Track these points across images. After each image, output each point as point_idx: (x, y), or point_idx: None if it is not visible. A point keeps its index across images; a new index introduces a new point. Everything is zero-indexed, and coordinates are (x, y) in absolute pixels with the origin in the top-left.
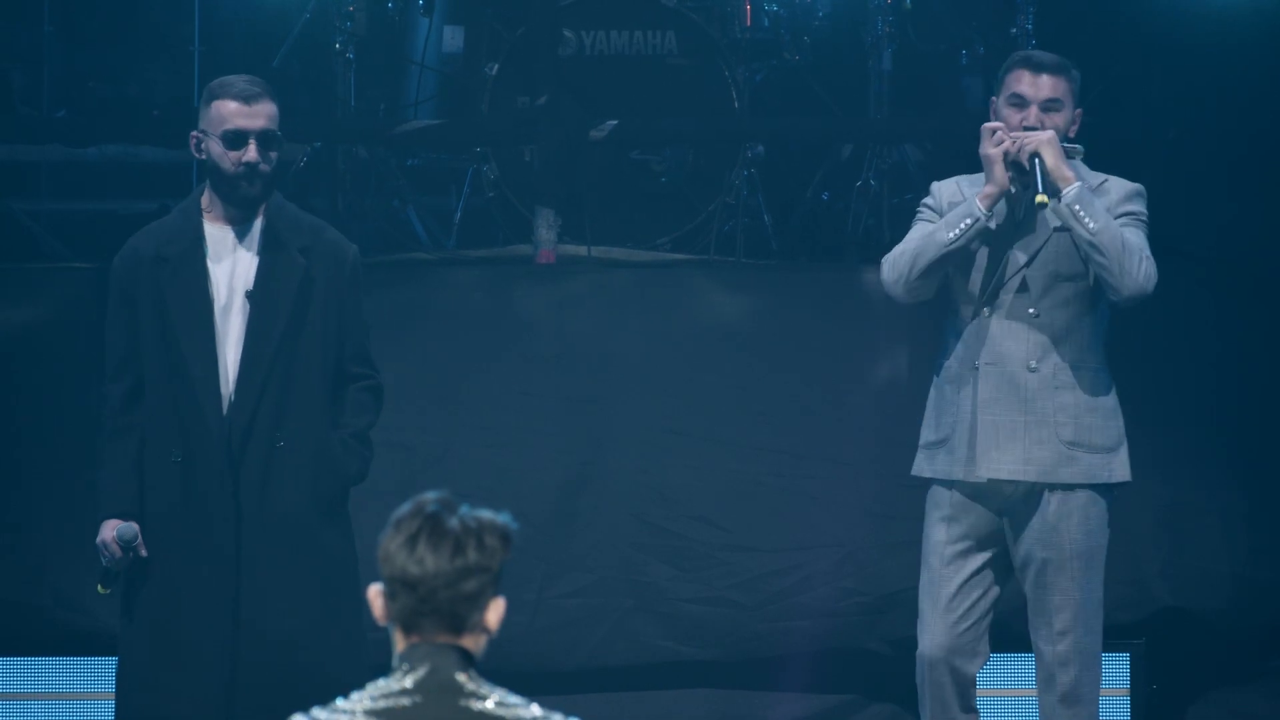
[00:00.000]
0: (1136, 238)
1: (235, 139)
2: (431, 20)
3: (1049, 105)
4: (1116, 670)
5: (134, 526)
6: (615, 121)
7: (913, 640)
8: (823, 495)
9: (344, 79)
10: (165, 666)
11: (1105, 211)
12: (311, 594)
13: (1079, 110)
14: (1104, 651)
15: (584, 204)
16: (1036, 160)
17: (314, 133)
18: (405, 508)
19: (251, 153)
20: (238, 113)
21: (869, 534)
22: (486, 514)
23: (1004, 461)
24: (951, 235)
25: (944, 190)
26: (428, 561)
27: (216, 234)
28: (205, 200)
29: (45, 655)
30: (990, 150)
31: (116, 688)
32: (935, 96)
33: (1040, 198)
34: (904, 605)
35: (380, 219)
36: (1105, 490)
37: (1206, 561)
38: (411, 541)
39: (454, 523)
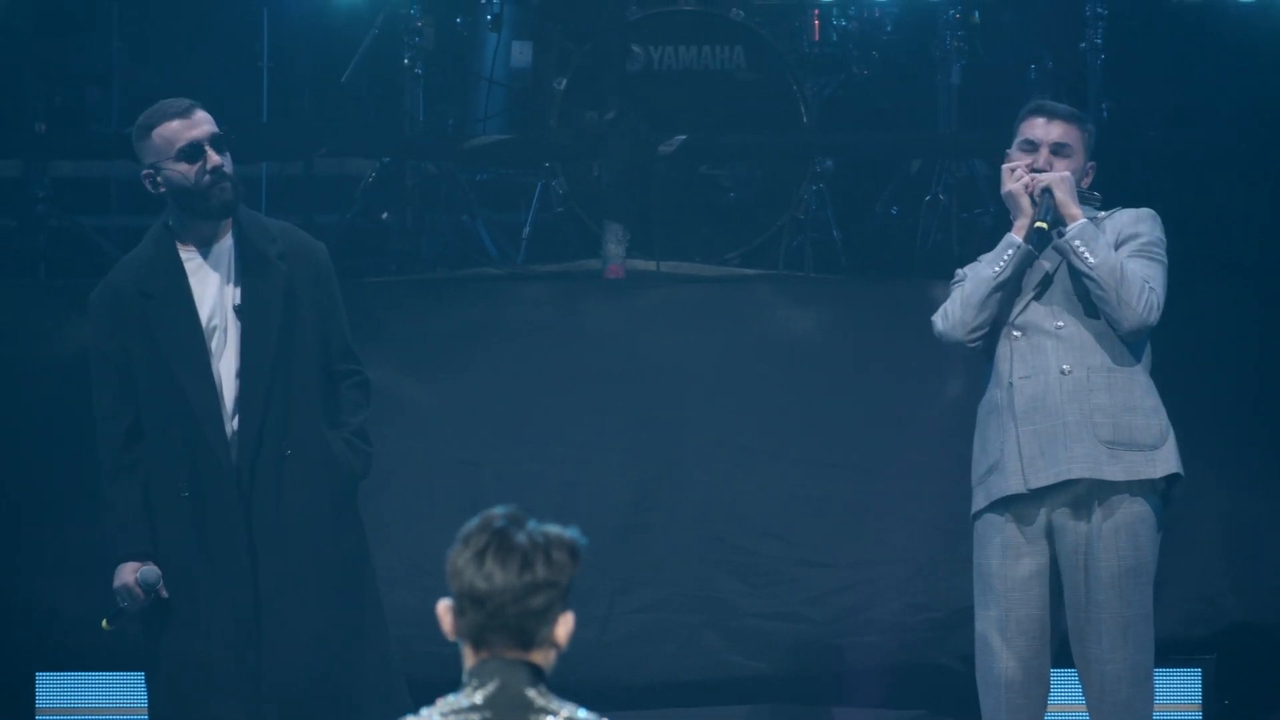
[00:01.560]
0: (1141, 268)
1: (192, 151)
2: (500, 35)
3: (1058, 149)
4: (1188, 686)
5: (156, 570)
6: (684, 136)
7: None
8: (892, 510)
9: (412, 94)
10: (194, 699)
11: (1108, 246)
12: (333, 599)
13: (1092, 164)
14: (1176, 668)
15: (652, 219)
16: (1047, 194)
17: (382, 148)
18: (473, 523)
19: (213, 157)
20: (182, 128)
21: (939, 549)
22: (554, 529)
23: (1049, 467)
24: (997, 268)
25: (970, 266)
26: (496, 577)
27: (193, 258)
28: (173, 229)
29: (120, 670)
30: (1012, 187)
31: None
32: (1004, 111)
33: (1040, 224)
34: (974, 621)
35: (449, 234)
36: (1154, 495)
37: (1278, 576)
38: (480, 557)
39: (522, 538)
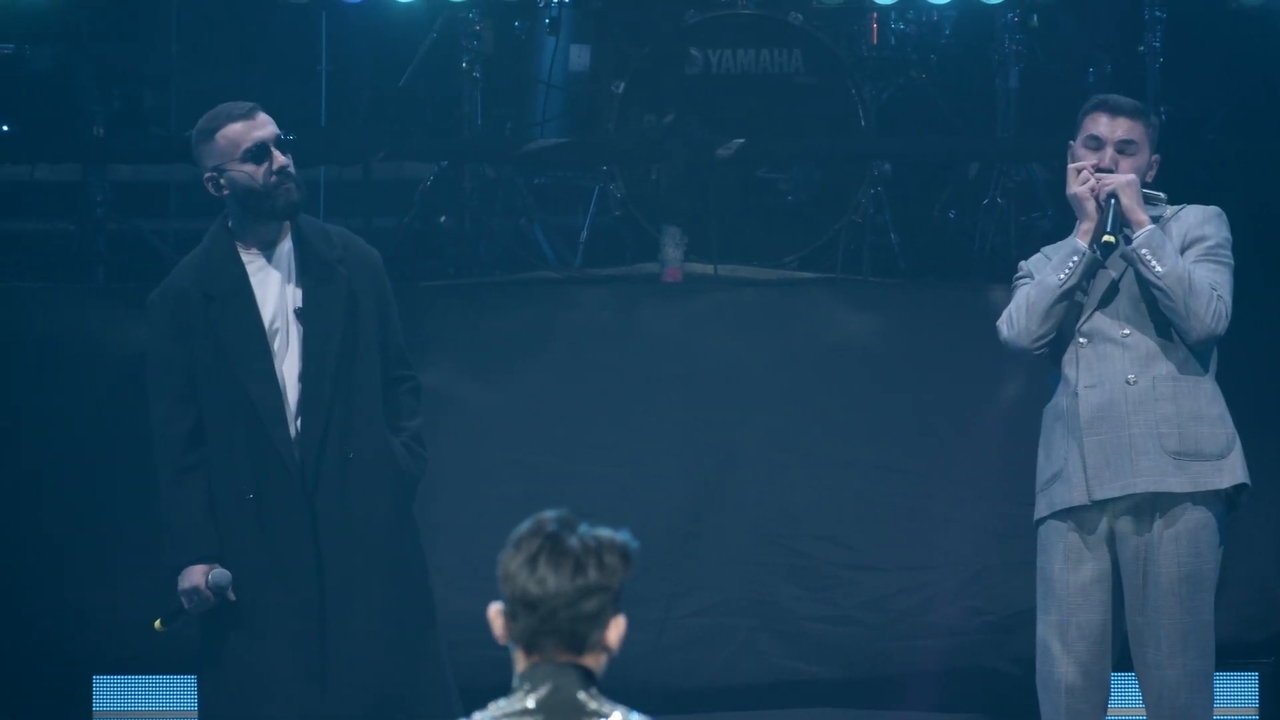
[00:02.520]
0: (1209, 273)
1: (258, 152)
2: (558, 39)
3: (1124, 146)
4: (1245, 690)
5: (227, 574)
6: (742, 140)
7: None
8: (948, 515)
9: (470, 98)
10: (249, 703)
11: (1174, 254)
12: (394, 601)
13: (1157, 156)
14: (1232, 671)
15: (710, 222)
16: (1113, 201)
17: (441, 152)
18: (525, 527)
19: (278, 158)
20: (247, 129)
21: (995, 553)
22: (606, 533)
23: (1115, 479)
24: (1062, 276)
25: (1032, 261)
26: (549, 581)
27: (254, 261)
28: (234, 231)
29: (177, 674)
30: (1078, 189)
31: (202, 717)
32: (1062, 115)
33: (1107, 237)
34: (1030, 624)
35: (507, 238)
36: (1218, 503)
37: None
38: (532, 561)
39: (574, 542)
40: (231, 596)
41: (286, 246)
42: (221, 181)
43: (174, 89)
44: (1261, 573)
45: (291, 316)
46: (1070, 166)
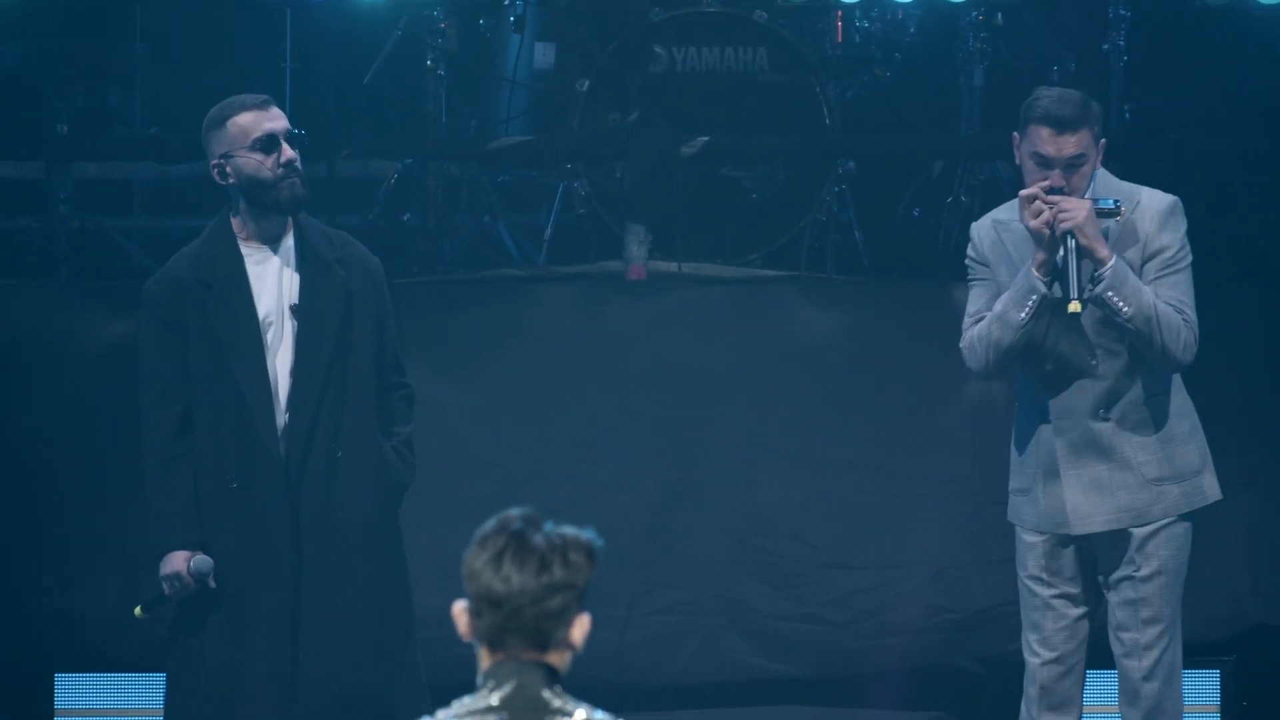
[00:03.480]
0: (1172, 291)
1: (268, 142)
2: (523, 37)
3: (1073, 163)
4: (1207, 687)
5: (209, 561)
6: (706, 138)
7: (1003, 658)
8: (914, 512)
9: (435, 96)
10: (218, 700)
11: (1138, 289)
12: (372, 602)
13: (1104, 141)
14: (1195, 669)
15: (675, 220)
16: (1071, 240)
17: (405, 149)
18: (490, 525)
19: (287, 151)
20: (261, 119)
21: (960, 551)
22: (571, 530)
23: (1096, 514)
24: (1023, 315)
25: (983, 239)
26: (513, 579)
27: (254, 254)
28: (235, 223)
29: (140, 672)
30: (1033, 223)
31: (169, 712)
32: None
33: (1073, 306)
34: (995, 622)
35: (471, 235)
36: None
37: None
38: (497, 559)
39: (539, 539)
40: (212, 584)
41: (288, 243)
42: (228, 169)
43: (138, 87)
44: (1225, 571)
45: (287, 312)
46: (1022, 194)
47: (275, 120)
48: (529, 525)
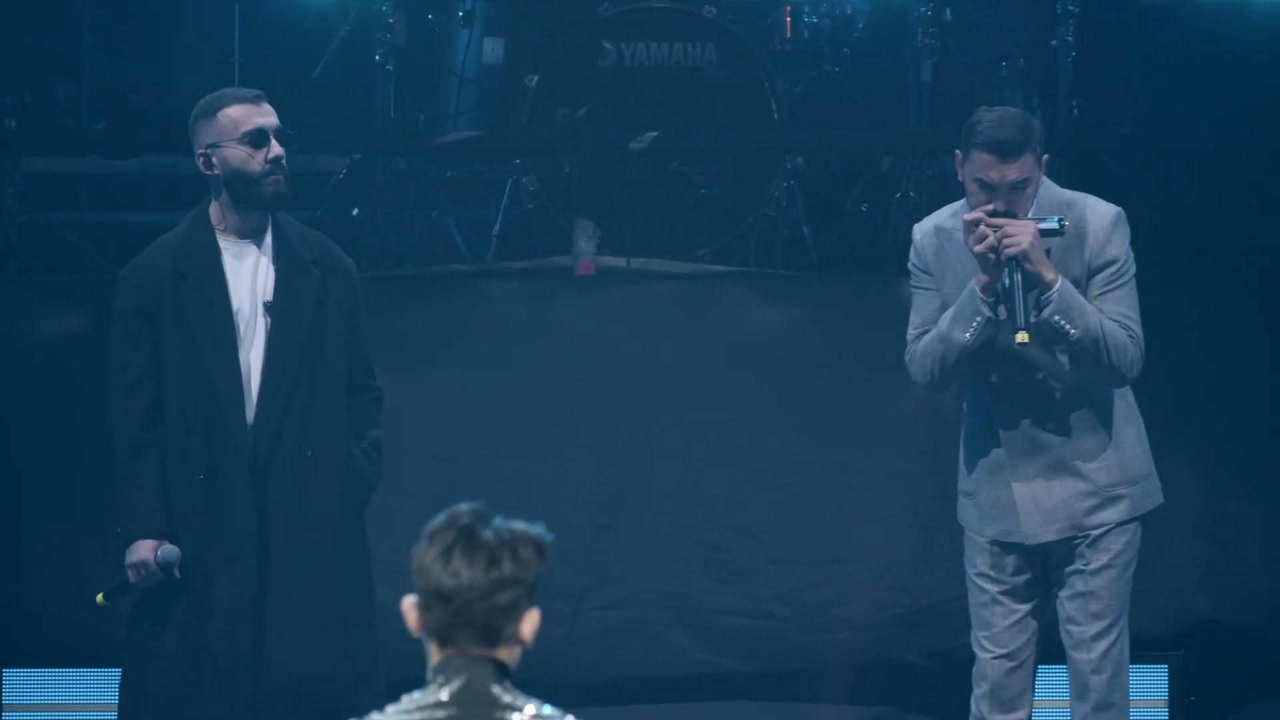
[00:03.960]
0: (1117, 306)
1: (258, 137)
2: (472, 32)
3: (1016, 187)
4: (1155, 682)
5: (177, 550)
6: (655, 133)
7: (951, 652)
8: (862, 508)
9: (384, 90)
10: (185, 687)
11: (1084, 309)
12: (335, 605)
13: (1045, 157)
14: (1144, 664)
15: (624, 216)
16: (1017, 268)
17: (353, 144)
18: (439, 520)
19: (275, 148)
20: (253, 113)
21: (908, 546)
22: (521, 525)
23: (1051, 523)
24: (968, 336)
25: (925, 245)
26: (463, 574)
27: (231, 248)
28: (215, 215)
29: (86, 667)
30: (977, 248)
31: (124, 704)
32: (975, 108)
33: (1020, 337)
34: (943, 617)
35: (419, 230)
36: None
37: (1245, 574)
38: (446, 554)
39: (488, 534)
40: (177, 574)
41: (266, 239)
42: (214, 159)
43: (86, 81)
44: (1173, 568)
45: (260, 308)
46: (965, 219)
47: (266, 116)
48: (478, 520)
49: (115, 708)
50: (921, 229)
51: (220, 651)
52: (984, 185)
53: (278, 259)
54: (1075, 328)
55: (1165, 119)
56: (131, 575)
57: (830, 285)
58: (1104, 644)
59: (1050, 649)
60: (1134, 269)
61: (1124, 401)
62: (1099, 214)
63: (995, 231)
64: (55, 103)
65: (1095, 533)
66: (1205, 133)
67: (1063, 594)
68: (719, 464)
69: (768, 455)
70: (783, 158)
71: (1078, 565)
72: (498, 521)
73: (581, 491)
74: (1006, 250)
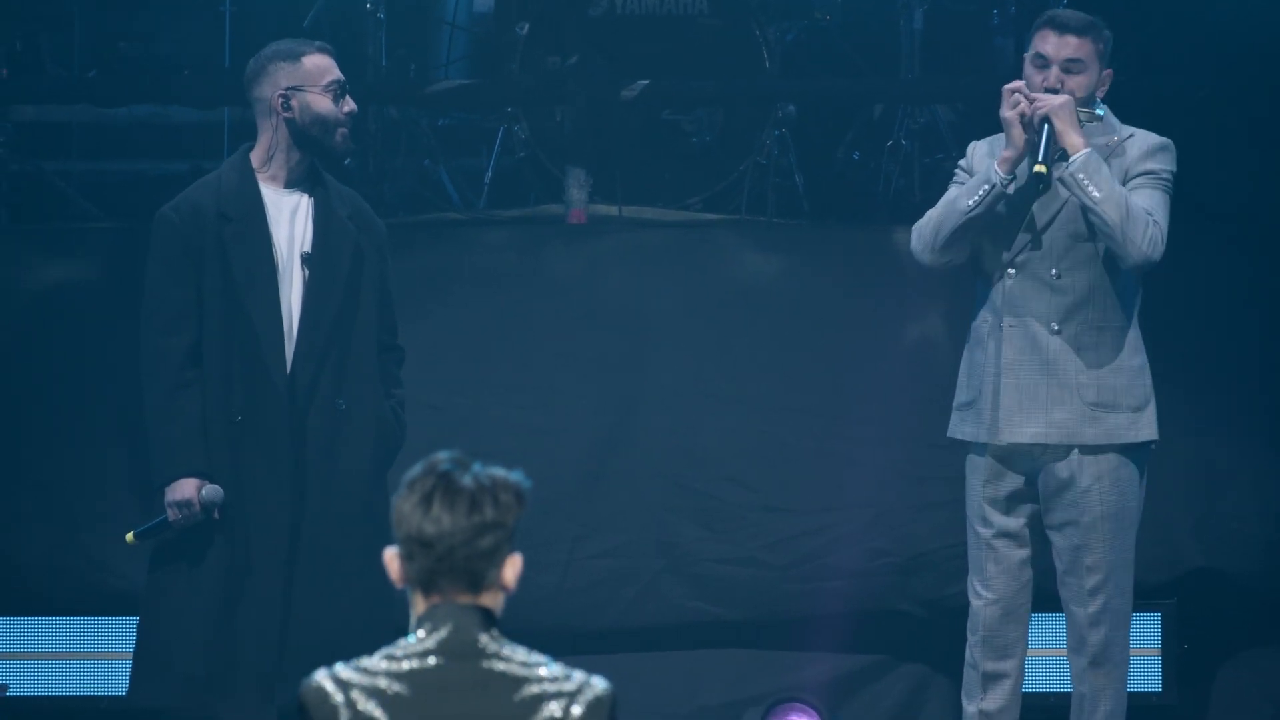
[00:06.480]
0: (1147, 200)
1: (340, 89)
2: None
3: (1070, 66)
4: (1148, 630)
5: (220, 490)
6: (646, 81)
7: (942, 600)
8: (854, 456)
9: (375, 39)
10: (220, 632)
11: (1111, 178)
12: (363, 557)
13: (1108, 71)
14: (1135, 612)
15: (615, 164)
16: (1046, 126)
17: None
18: (417, 468)
19: (350, 103)
20: (333, 66)
21: (900, 495)
22: (500, 471)
23: (1026, 425)
24: (971, 202)
25: (978, 150)
26: (444, 520)
27: (272, 196)
28: (258, 160)
29: (78, 615)
30: (1007, 114)
31: (145, 648)
32: (967, 56)
33: (1038, 167)
34: (934, 566)
35: (411, 179)
36: (1135, 450)
37: (1239, 522)
38: (426, 501)
39: (468, 480)
40: (217, 515)
41: (306, 190)
42: (294, 102)
43: (76, 29)
44: (1167, 515)
45: (298, 259)
46: (1005, 88)
47: (340, 73)
48: (457, 467)
49: (106, 655)
50: (976, 142)
51: (253, 599)
52: (1039, 60)
53: (317, 211)
54: (1099, 190)
55: (1159, 63)
56: (171, 514)
57: (822, 233)
58: (1101, 598)
59: (1046, 598)
60: (1171, 190)
61: (1134, 334)
62: (1148, 136)
63: (1030, 102)
64: (44, 51)
65: (1086, 476)
66: (1206, 81)
67: (1059, 545)
68: (710, 412)
69: (759, 404)
70: (774, 106)
71: (1071, 515)
72: (476, 467)
73: (573, 440)
74: (1037, 109)
